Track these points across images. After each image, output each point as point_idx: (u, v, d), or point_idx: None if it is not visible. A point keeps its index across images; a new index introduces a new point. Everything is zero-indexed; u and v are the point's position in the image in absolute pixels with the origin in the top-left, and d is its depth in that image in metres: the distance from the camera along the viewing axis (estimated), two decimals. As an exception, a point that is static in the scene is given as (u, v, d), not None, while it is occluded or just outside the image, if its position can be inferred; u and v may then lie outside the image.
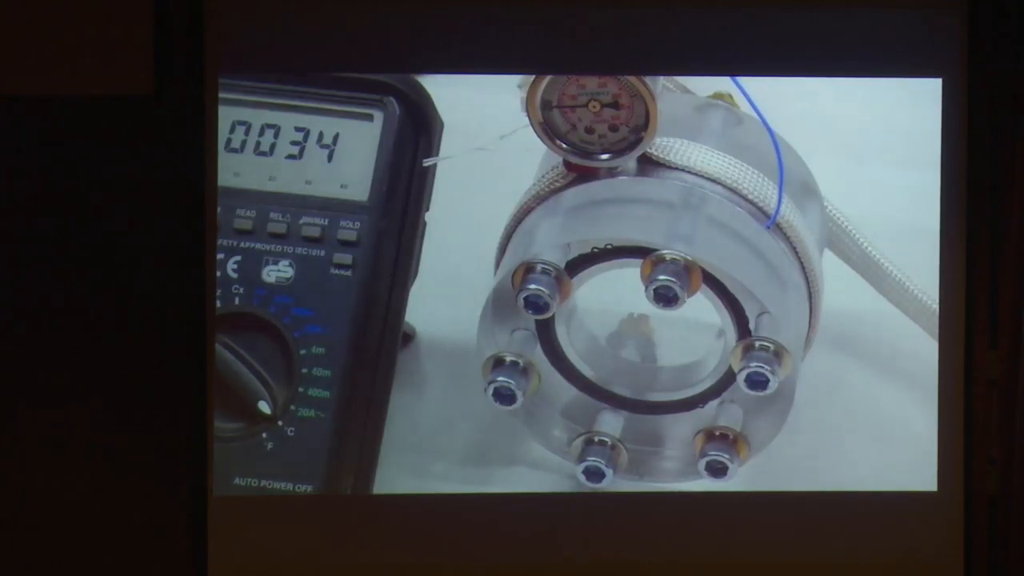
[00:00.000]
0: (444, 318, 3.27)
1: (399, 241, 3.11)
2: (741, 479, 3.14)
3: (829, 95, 3.31)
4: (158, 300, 3.25)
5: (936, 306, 3.29)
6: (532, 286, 2.95)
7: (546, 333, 3.09)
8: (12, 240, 3.24)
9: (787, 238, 3.05)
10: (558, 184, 3.07)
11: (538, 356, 3.09)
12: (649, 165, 3.05)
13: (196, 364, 3.22)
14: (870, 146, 3.30)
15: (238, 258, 3.11)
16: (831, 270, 3.20)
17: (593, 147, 3.03)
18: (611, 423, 3.13)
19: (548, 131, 3.03)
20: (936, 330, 3.29)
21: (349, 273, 3.08)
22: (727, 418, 3.07)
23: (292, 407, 3.08)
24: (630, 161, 3.04)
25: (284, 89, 3.14)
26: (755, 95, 3.12)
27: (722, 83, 3.21)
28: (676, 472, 3.19)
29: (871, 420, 3.28)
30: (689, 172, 3.04)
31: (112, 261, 3.25)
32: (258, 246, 3.11)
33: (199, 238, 3.20)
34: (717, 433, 3.07)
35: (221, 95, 3.18)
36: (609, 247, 2.98)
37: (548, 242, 2.98)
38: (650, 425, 3.16)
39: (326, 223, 3.09)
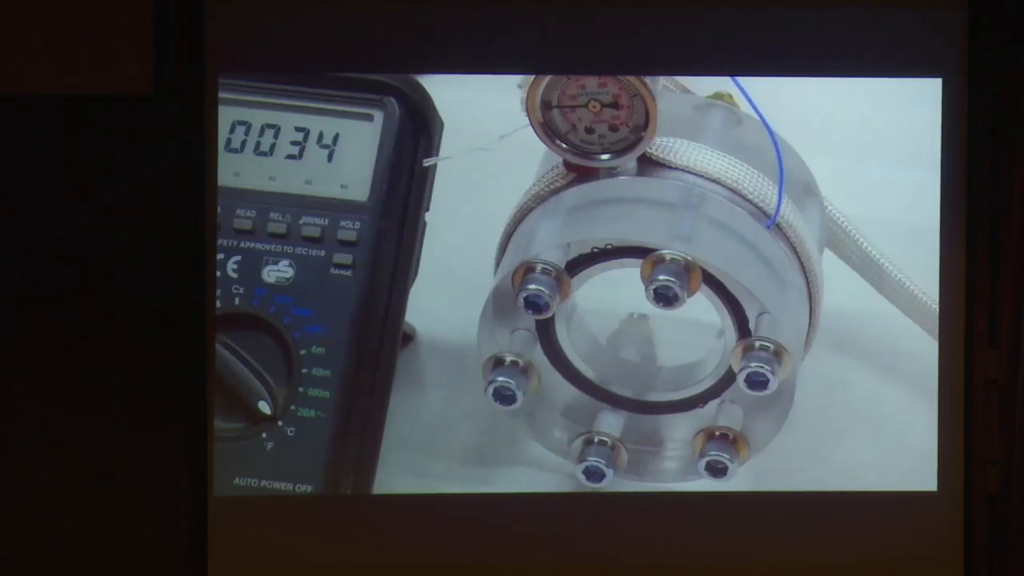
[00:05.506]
0: (444, 318, 3.27)
1: (399, 241, 3.11)
2: (741, 479, 3.14)
3: (829, 95, 3.31)
4: (158, 300, 3.25)
5: (936, 306, 3.28)
6: (532, 286, 2.95)
7: (546, 333, 3.09)
8: (11, 240, 3.24)
9: (787, 238, 3.05)
10: (558, 184, 3.07)
11: (538, 356, 3.09)
12: (649, 165, 3.05)
13: (196, 364, 3.22)
14: (870, 146, 3.31)
15: (238, 258, 3.11)
16: (831, 270, 3.20)
17: (593, 147, 3.03)
18: (611, 423, 3.13)
19: (548, 131, 3.03)
20: (936, 330, 3.29)
21: (349, 273, 3.08)
22: (727, 418, 3.07)
23: (292, 407, 3.08)
24: (630, 161, 3.04)
25: (284, 89, 3.14)
26: (755, 95, 3.12)
27: (722, 83, 3.21)
28: (676, 472, 3.19)
29: (871, 420, 3.28)
30: (689, 172, 3.04)
31: (112, 261, 3.24)
32: (258, 246, 3.11)
33: (199, 238, 3.20)
34: (717, 433, 3.07)
35: (221, 95, 3.18)
36: (609, 247, 2.98)
37: (548, 242, 2.98)
38: (650, 425, 3.16)
39: (326, 223, 3.09)
